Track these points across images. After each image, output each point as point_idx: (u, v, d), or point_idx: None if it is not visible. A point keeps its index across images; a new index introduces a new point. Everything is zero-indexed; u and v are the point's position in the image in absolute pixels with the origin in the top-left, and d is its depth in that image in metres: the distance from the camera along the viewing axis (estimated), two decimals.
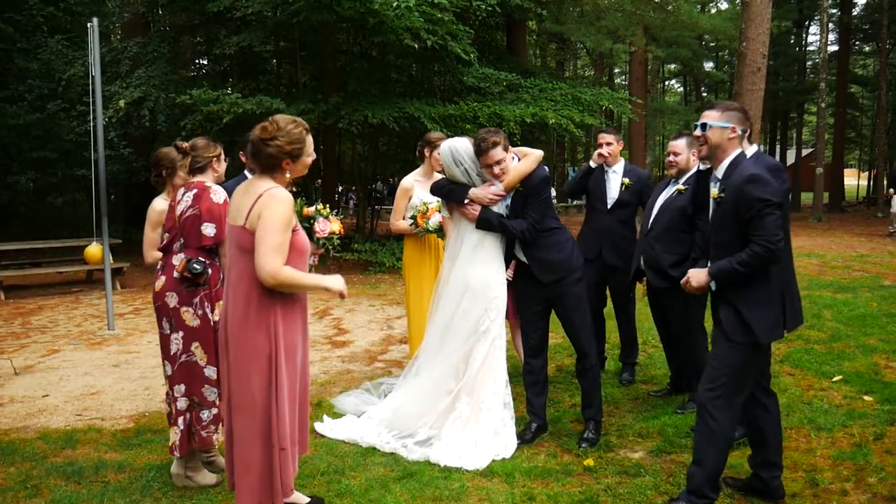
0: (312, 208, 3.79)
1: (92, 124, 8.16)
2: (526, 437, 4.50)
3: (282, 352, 3.06)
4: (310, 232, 3.85)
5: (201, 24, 14.29)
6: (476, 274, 4.43)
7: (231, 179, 5.26)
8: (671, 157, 5.08)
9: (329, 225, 3.81)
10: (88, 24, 7.84)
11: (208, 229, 3.84)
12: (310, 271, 4.16)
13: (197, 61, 16.26)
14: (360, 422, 4.78)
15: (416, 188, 5.42)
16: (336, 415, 5.01)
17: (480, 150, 4.32)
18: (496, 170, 4.33)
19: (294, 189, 3.49)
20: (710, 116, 3.50)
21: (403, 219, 5.43)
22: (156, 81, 12.77)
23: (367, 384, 5.61)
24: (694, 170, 4.98)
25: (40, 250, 12.07)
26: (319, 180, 15.81)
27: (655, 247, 5.00)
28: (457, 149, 4.47)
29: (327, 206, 3.89)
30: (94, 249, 8.21)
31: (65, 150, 14.24)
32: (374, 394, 5.36)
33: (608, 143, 5.60)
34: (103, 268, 8.35)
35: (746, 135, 3.56)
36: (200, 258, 3.83)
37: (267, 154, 3.07)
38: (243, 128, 12.71)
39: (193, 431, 3.87)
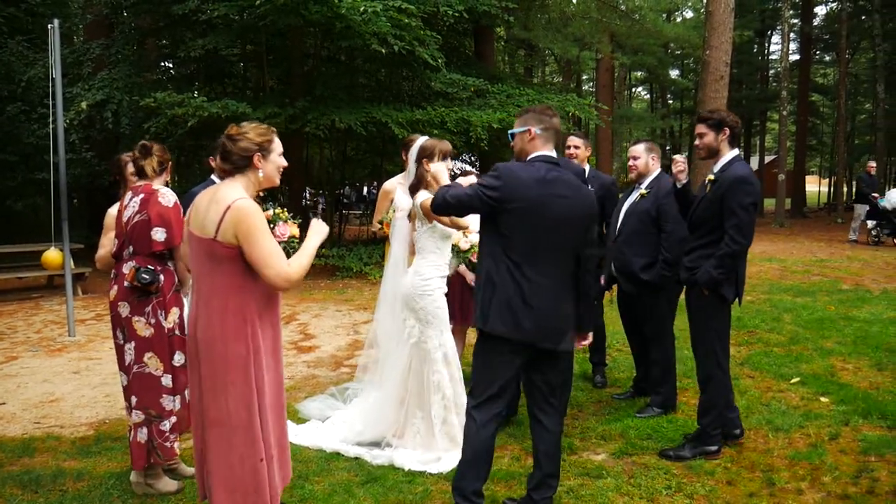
0: (271, 212, 3.77)
1: (52, 127, 8.02)
2: None
3: (261, 361, 3.01)
4: None
5: (166, 27, 14.13)
6: (406, 285, 4.44)
7: (199, 185, 5.17)
8: (631, 162, 5.25)
9: (288, 229, 3.79)
10: (49, 26, 7.71)
11: (158, 234, 3.77)
12: None
13: (162, 64, 16.04)
14: (325, 427, 4.76)
15: (398, 191, 5.35)
16: (301, 420, 4.99)
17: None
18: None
19: (261, 194, 3.47)
20: (514, 126, 3.58)
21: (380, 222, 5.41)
22: (119, 84, 12.57)
23: (332, 389, 5.59)
24: (655, 174, 5.12)
25: None
26: (286, 186, 15.70)
27: (625, 251, 5.06)
28: (421, 146, 4.48)
29: (286, 210, 3.87)
30: (52, 254, 8.06)
31: (25, 154, 13.92)
32: (339, 399, 5.34)
33: (576, 147, 5.63)
34: (64, 273, 8.21)
35: (549, 133, 3.48)
36: (150, 266, 3.76)
37: (239, 148, 3.04)
38: (208, 132, 12.62)
39: (155, 445, 3.79)
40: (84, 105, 11.84)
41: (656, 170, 5.14)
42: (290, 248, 3.96)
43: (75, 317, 8.20)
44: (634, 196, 5.19)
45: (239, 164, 3.07)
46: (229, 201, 2.95)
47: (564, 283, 3.43)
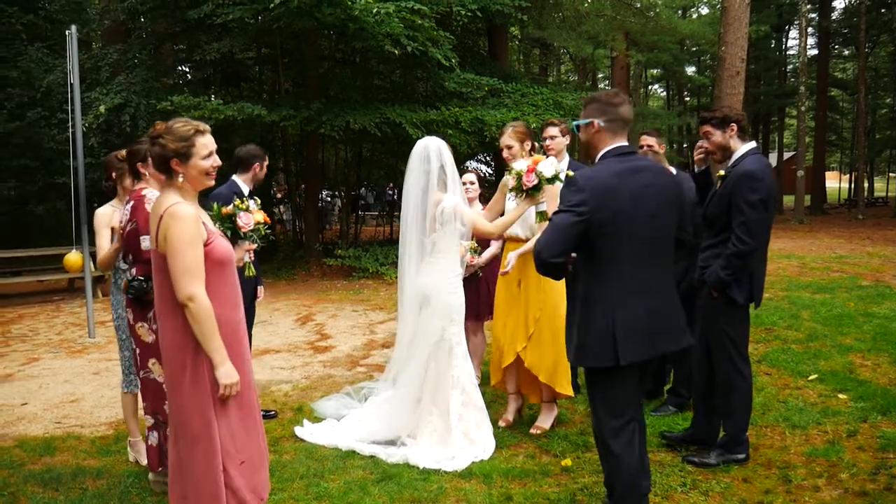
0: (230, 206, 3.58)
1: (71, 131, 8.13)
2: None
3: (207, 370, 2.86)
4: (236, 230, 3.60)
5: (182, 32, 14.24)
6: (428, 283, 4.44)
7: (223, 185, 5.00)
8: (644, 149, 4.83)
9: (252, 217, 3.59)
10: (67, 32, 7.84)
11: (146, 242, 3.68)
12: (246, 270, 3.98)
13: (179, 68, 16.19)
14: (340, 426, 4.79)
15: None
16: (316, 419, 5.03)
17: None
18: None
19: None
20: (579, 118, 3.29)
21: None
22: (136, 88, 12.72)
23: (348, 388, 5.62)
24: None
25: (20, 259, 11.97)
26: (303, 186, 15.81)
27: None
28: (428, 147, 4.46)
29: (244, 199, 3.68)
30: (73, 257, 8.11)
31: (45, 158, 14.13)
32: (354, 398, 5.37)
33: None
34: (84, 276, 8.31)
35: (616, 124, 3.16)
36: (139, 277, 3.71)
37: (156, 154, 2.93)
38: (225, 135, 12.71)
39: (165, 449, 3.75)
40: (102, 109, 11.99)
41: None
42: (257, 235, 3.71)
43: (95, 319, 8.30)
44: None
45: (161, 168, 2.95)
46: (163, 209, 2.85)
47: (669, 276, 3.22)
